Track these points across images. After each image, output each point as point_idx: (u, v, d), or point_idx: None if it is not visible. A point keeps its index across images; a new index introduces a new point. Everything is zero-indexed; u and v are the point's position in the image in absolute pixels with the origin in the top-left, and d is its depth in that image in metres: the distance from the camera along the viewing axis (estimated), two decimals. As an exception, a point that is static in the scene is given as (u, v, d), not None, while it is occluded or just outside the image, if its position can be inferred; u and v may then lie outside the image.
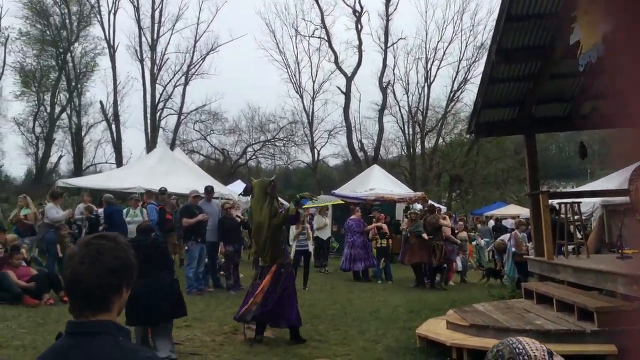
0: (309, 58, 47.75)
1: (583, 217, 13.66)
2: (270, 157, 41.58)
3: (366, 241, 13.63)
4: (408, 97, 39.17)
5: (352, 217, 14.11)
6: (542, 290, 7.02)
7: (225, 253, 10.20)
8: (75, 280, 1.66)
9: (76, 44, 38.20)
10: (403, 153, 40.53)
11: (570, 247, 8.82)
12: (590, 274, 6.53)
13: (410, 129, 39.39)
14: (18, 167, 70.30)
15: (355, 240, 13.51)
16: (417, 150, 39.44)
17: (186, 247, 10.13)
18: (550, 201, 9.48)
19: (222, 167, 38.94)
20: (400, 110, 39.40)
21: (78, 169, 36.23)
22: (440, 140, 38.79)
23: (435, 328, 6.84)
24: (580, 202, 8.36)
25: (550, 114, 8.96)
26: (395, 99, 39.63)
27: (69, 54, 37.76)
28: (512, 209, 28.09)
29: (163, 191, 11.81)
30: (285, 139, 40.27)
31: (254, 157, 41.33)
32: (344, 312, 8.90)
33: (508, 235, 12.34)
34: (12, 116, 37.60)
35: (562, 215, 8.58)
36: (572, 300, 6.06)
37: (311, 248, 12.36)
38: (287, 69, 40.56)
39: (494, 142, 34.40)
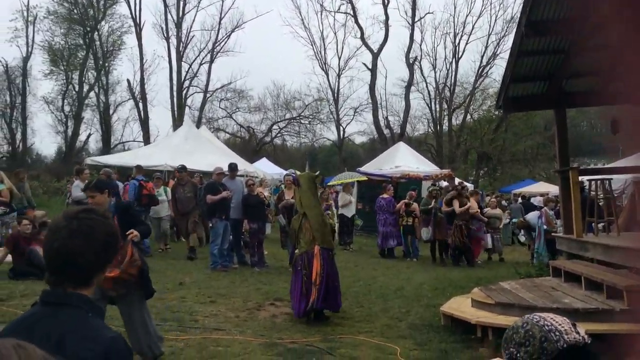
0: (335, 34, 47.52)
1: (614, 195, 13.38)
2: (296, 135, 41.60)
3: (396, 220, 13.61)
4: (435, 73, 38.60)
5: (383, 195, 14.05)
6: (570, 268, 6.89)
7: (249, 230, 10.24)
8: (66, 253, 1.63)
9: (103, 22, 38.50)
10: (430, 130, 40.11)
11: (600, 225, 8.62)
12: (620, 251, 6.35)
13: (438, 106, 38.89)
14: (48, 145, 71.65)
15: (387, 218, 13.52)
16: (444, 127, 38.94)
17: (210, 224, 10.19)
18: (579, 178, 9.27)
19: (248, 145, 39.06)
20: (427, 86, 38.92)
21: (106, 147, 36.79)
22: (468, 116, 38.23)
23: (460, 306, 6.77)
24: (611, 179, 8.11)
25: (582, 88, 8.68)
26: (422, 75, 39.11)
27: (96, 33, 38.06)
28: (541, 187, 27.61)
29: (181, 169, 11.74)
30: (310, 116, 40.15)
31: (279, 134, 41.36)
32: (367, 289, 8.88)
33: (535, 213, 12.09)
34: (41, 95, 38.32)
35: (592, 193, 8.37)
36: (601, 278, 5.92)
37: (335, 226, 12.33)
38: (312, 45, 40.29)
39: (523, 119, 33.73)
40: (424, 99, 39.09)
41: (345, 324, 6.74)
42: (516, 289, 6.81)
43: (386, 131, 38.12)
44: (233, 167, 10.79)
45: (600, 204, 8.57)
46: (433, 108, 38.95)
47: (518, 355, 1.65)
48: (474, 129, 37.23)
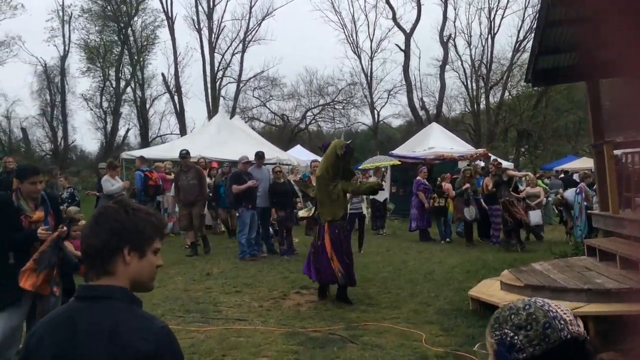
0: (366, 16, 46.91)
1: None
2: (330, 121, 41.35)
3: (420, 202, 13.39)
4: (470, 50, 37.61)
5: (417, 177, 13.86)
6: (605, 246, 6.58)
7: (277, 218, 10.18)
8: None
9: (136, 18, 39.02)
10: (467, 109, 39.23)
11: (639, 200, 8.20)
12: (659, 228, 6.02)
13: (474, 84, 37.96)
14: (89, 142, 73.52)
15: (413, 200, 13.37)
16: (481, 106, 38.01)
17: (237, 214, 10.19)
18: (616, 152, 8.83)
19: (283, 133, 39.13)
20: (462, 64, 37.99)
21: (145, 141, 37.44)
22: (506, 93, 37.12)
23: (489, 289, 6.56)
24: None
25: (614, 57, 8.21)
26: (457, 53, 38.17)
27: (130, 28, 38.64)
28: (585, 162, 26.62)
29: (184, 155, 10.84)
30: (344, 101, 39.86)
31: (313, 121, 41.24)
32: (397, 274, 8.73)
33: (572, 189, 11.63)
34: (80, 92, 39.26)
35: (631, 167, 7.96)
36: (637, 256, 5.61)
37: (366, 211, 12.17)
38: (343, 29, 39.88)
39: (563, 93, 32.55)
40: (460, 78, 38.24)
41: (371, 310, 6.62)
42: (548, 269, 6.54)
43: (422, 112, 37.49)
44: (260, 155, 10.74)
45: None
46: (469, 86, 38.07)
47: (515, 338, 1.44)
48: (512, 105, 36.18)
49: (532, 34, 35.30)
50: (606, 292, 5.24)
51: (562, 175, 21.33)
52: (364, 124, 41.88)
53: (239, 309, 6.51)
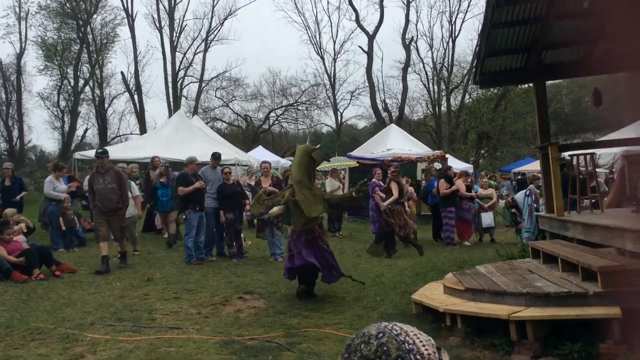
0: (329, 17, 47.01)
1: (602, 170, 12.97)
2: (294, 122, 41.25)
3: (377, 204, 13.32)
4: (432, 53, 38.14)
5: (373, 179, 13.73)
6: (548, 249, 6.53)
7: (225, 221, 9.90)
8: None
9: (95, 15, 38.11)
10: (429, 112, 39.58)
11: (589, 202, 8.25)
12: (599, 230, 6.00)
13: (435, 86, 38.38)
14: (47, 141, 71.61)
15: (370, 202, 13.25)
16: (442, 108, 38.41)
17: (184, 216, 9.86)
18: (565, 154, 8.89)
19: (246, 134, 38.77)
20: (424, 67, 38.44)
21: (103, 141, 36.59)
22: (467, 96, 37.64)
23: (432, 293, 6.45)
24: (594, 154, 7.73)
25: (562, 59, 8.26)
26: (419, 56, 38.61)
27: (89, 26, 37.69)
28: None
29: (101, 153, 9.44)
30: (307, 102, 39.81)
31: (277, 122, 41.03)
32: (345, 278, 8.56)
33: (522, 192, 11.70)
34: (37, 91, 38.14)
35: (582, 168, 7.98)
36: (577, 259, 5.57)
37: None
38: (306, 30, 40.01)
39: (522, 96, 33.15)
40: (422, 81, 38.68)
41: (314, 315, 6.44)
42: (491, 272, 6.47)
43: (384, 114, 37.69)
44: (217, 156, 10.46)
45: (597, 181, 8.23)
46: (431, 89, 38.48)
47: None
48: (473, 108, 36.66)
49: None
50: (545, 296, 5.17)
51: (520, 177, 21.61)
52: (327, 125, 41.86)
53: (175, 316, 6.24)
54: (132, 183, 10.25)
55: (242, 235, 11.13)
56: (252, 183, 12.48)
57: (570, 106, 45.05)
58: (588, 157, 7.68)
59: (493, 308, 5.36)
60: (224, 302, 6.88)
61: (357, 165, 17.31)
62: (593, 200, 9.33)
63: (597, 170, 13.88)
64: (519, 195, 11.61)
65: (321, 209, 7.08)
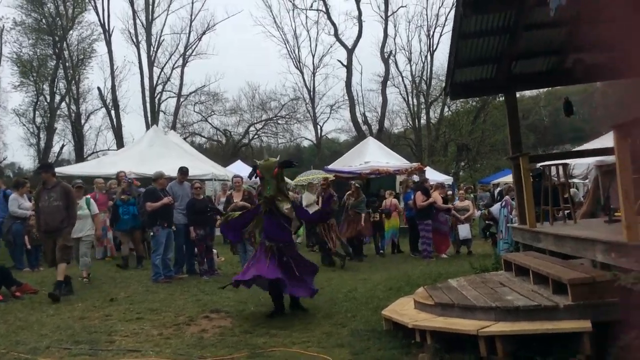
0: (308, 32, 47.16)
1: (579, 180, 12.98)
2: (273, 136, 41.01)
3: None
4: (411, 66, 38.27)
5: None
6: (520, 261, 6.41)
7: (195, 237, 9.64)
8: None
9: (72, 31, 37.69)
10: (408, 124, 39.70)
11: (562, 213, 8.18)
12: (569, 241, 5.90)
13: (415, 99, 38.53)
14: (22, 158, 70.65)
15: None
16: (422, 121, 38.56)
17: (152, 233, 9.57)
18: (539, 165, 8.83)
19: (225, 148, 38.48)
20: (403, 80, 38.56)
21: (79, 157, 36.01)
22: (446, 109, 37.84)
23: (403, 308, 6.27)
24: (566, 164, 7.66)
25: (532, 70, 8.22)
26: (398, 69, 38.74)
27: (65, 42, 37.25)
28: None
29: (44, 167, 8.69)
30: (287, 116, 39.63)
31: (256, 136, 40.78)
32: (318, 293, 8.36)
33: (498, 204, 11.65)
34: (12, 107, 37.49)
35: (555, 179, 7.91)
36: (547, 271, 5.44)
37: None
38: (285, 44, 39.85)
39: (500, 109, 33.33)
40: (401, 94, 38.77)
41: (282, 334, 6.21)
42: (462, 286, 6.32)
43: (364, 127, 37.67)
44: (184, 171, 10.23)
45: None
46: (410, 102, 38.59)
47: None
48: (452, 121, 36.83)
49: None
50: (514, 310, 5.02)
51: (499, 189, 21.61)
52: (307, 138, 41.75)
53: (135, 338, 5.98)
54: (92, 201, 9.65)
55: (214, 251, 10.89)
56: (223, 199, 12.29)
57: (548, 117, 45.50)
58: (560, 167, 7.59)
59: (462, 323, 5.20)
60: (189, 321, 6.63)
61: (334, 178, 17.13)
62: (567, 211, 9.28)
63: (572, 180, 13.97)
64: (495, 207, 11.55)
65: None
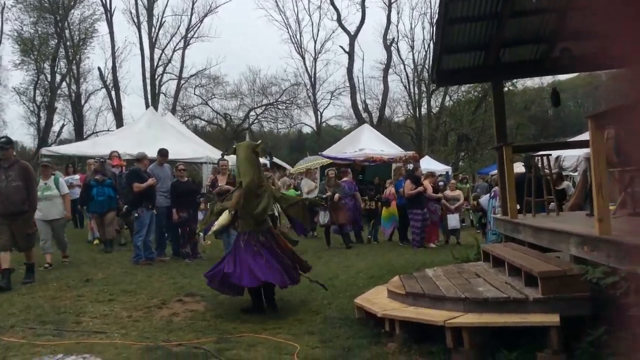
0: (310, 17, 46.79)
1: (565, 172, 12.83)
2: (273, 121, 40.86)
3: (357, 204, 13.17)
4: (413, 54, 37.93)
5: (344, 179, 13.51)
6: (496, 252, 6.31)
7: (178, 219, 9.57)
8: None
9: (73, 10, 37.45)
10: (409, 113, 39.45)
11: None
12: (546, 233, 5.79)
13: (416, 88, 38.22)
14: (22, 137, 70.63)
15: (347, 202, 13.01)
16: (423, 110, 38.28)
17: (136, 214, 9.48)
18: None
19: (225, 132, 38.37)
20: (405, 68, 38.23)
21: (79, 137, 35.92)
22: (447, 98, 37.56)
23: (376, 297, 6.20)
24: (549, 155, 7.52)
25: (520, 58, 8.06)
26: (400, 57, 38.42)
27: (67, 21, 37.03)
28: (518, 167, 27.00)
29: (3, 144, 7.68)
30: (287, 101, 39.42)
31: (256, 121, 40.62)
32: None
33: (487, 194, 11.52)
34: (12, 86, 37.38)
35: (547, 171, 7.77)
36: (520, 263, 5.35)
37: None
38: (287, 29, 39.58)
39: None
40: (402, 82, 38.46)
41: (253, 320, 6.15)
42: (437, 276, 6.23)
43: (364, 115, 37.45)
44: (163, 153, 10.13)
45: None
46: (411, 90, 38.31)
47: None
48: (453, 110, 36.56)
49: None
50: (483, 302, 4.94)
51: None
52: (307, 124, 41.57)
53: (103, 320, 5.92)
54: (61, 179, 9.28)
55: (200, 234, 10.82)
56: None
57: (553, 109, 45.17)
58: (545, 158, 7.47)
59: (431, 313, 5.12)
60: (161, 305, 6.57)
61: (330, 163, 17.02)
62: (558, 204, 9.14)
63: (569, 174, 13.84)
64: (484, 198, 11.43)
65: (264, 204, 6.62)
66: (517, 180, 7.67)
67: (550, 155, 7.69)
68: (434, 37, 7.59)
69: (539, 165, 7.78)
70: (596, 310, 4.60)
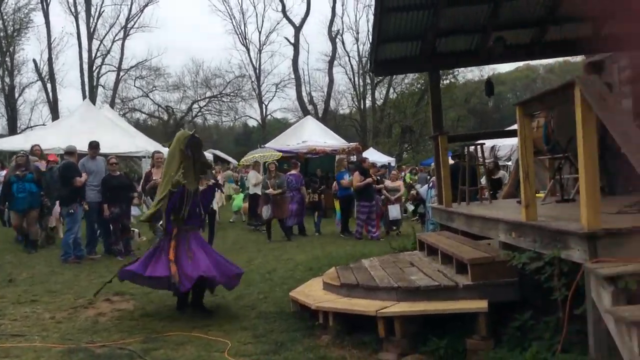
0: (254, 7, 46.34)
1: (501, 161, 13.16)
2: (217, 114, 40.26)
3: (303, 197, 13.06)
4: (358, 46, 38.15)
5: (292, 172, 13.36)
6: (430, 241, 6.33)
7: (110, 215, 9.18)
8: None
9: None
10: (354, 105, 39.66)
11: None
12: (477, 221, 5.84)
13: (361, 80, 38.43)
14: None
15: (294, 195, 12.88)
16: (367, 102, 38.56)
17: (71, 211, 8.92)
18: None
19: (167, 126, 37.52)
20: (350, 60, 38.39)
21: (12, 132, 34.33)
22: (391, 90, 37.95)
23: (312, 289, 6.11)
24: (484, 144, 7.61)
25: (456, 49, 8.11)
26: (345, 49, 38.60)
27: (0, 11, 35.22)
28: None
29: None
30: (232, 94, 38.91)
31: (200, 114, 39.92)
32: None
33: (426, 185, 11.66)
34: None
35: (481, 160, 7.85)
36: (452, 251, 5.37)
37: (217, 206, 11.51)
38: (231, 19, 39.06)
39: (444, 91, 33.64)
40: (347, 74, 38.61)
41: (184, 318, 5.93)
42: (373, 266, 6.20)
43: (310, 107, 37.40)
44: (94, 146, 9.70)
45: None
46: (356, 83, 38.49)
47: None
48: (397, 103, 36.99)
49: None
50: (415, 290, 4.92)
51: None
52: (252, 117, 41.16)
53: (24, 322, 5.59)
54: None
55: (136, 230, 10.48)
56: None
57: (492, 101, 46.35)
58: (479, 147, 7.55)
59: (364, 304, 5.07)
60: (87, 305, 6.27)
61: (281, 155, 16.79)
62: (491, 192, 9.30)
63: (507, 163, 14.15)
64: (423, 188, 11.55)
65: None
66: (452, 169, 7.74)
67: (484, 144, 7.76)
68: (372, 25, 7.67)
69: (475, 154, 7.86)
70: (524, 295, 4.66)
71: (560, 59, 34.94)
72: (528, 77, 50.76)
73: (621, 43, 7.82)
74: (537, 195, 6.70)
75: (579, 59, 10.40)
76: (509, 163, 12.74)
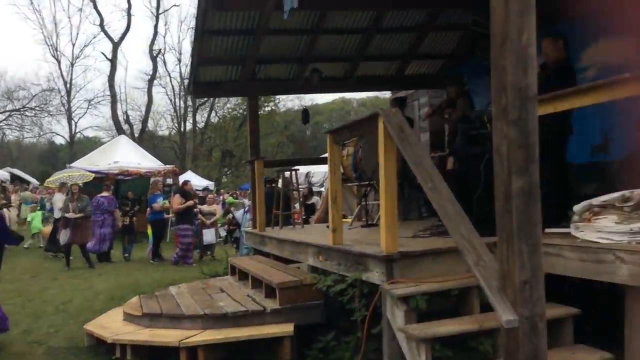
0: (69, 19, 43.43)
1: (314, 187, 13.74)
2: (19, 129, 36.30)
3: (115, 221, 12.11)
4: (180, 67, 37.24)
5: (104, 194, 12.34)
6: (242, 265, 6.25)
7: None
8: None
9: None
10: (174, 126, 38.57)
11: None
12: (288, 245, 5.89)
13: (182, 102, 37.57)
14: None
15: (105, 219, 11.84)
16: (188, 124, 37.80)
17: None
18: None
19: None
20: (171, 81, 37.35)
21: None
22: (213, 114, 37.67)
23: (110, 320, 5.62)
24: (298, 170, 7.79)
25: (275, 75, 8.25)
26: (167, 69, 37.55)
27: None
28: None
29: None
30: (37, 108, 35.40)
31: (-2, 128, 35.68)
32: (22, 306, 7.25)
33: (243, 209, 11.65)
34: None
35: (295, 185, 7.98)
36: (262, 275, 5.33)
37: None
38: (42, 29, 35.77)
39: (265, 118, 34.30)
40: (167, 95, 37.50)
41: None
42: (180, 293, 5.91)
43: (125, 126, 35.47)
44: None
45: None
46: (177, 104, 37.55)
47: None
48: (218, 126, 36.80)
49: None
50: (222, 317, 4.77)
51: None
52: (58, 134, 37.89)
53: None
54: None
55: None
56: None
57: (310, 130, 48.38)
58: (293, 173, 7.70)
59: (167, 334, 4.78)
60: None
61: (93, 176, 15.43)
62: (304, 217, 9.54)
63: (321, 189, 14.70)
64: (239, 212, 11.50)
65: None
66: (267, 193, 7.79)
67: (299, 170, 7.95)
68: (192, 47, 7.49)
69: (290, 179, 8.01)
70: (329, 317, 4.77)
71: (372, 94, 37.70)
72: (343, 109, 54.00)
73: (422, 81, 8.68)
74: (345, 220, 7.02)
75: (388, 94, 11.30)
76: (322, 189, 13.28)
